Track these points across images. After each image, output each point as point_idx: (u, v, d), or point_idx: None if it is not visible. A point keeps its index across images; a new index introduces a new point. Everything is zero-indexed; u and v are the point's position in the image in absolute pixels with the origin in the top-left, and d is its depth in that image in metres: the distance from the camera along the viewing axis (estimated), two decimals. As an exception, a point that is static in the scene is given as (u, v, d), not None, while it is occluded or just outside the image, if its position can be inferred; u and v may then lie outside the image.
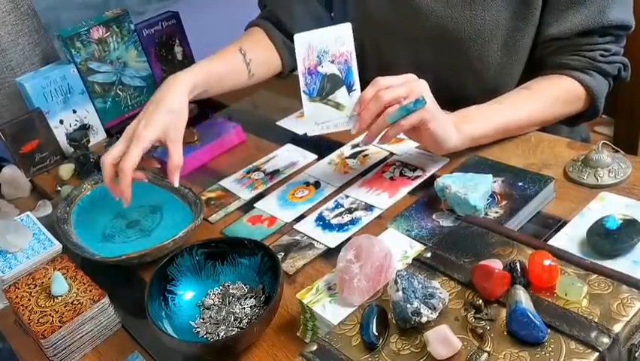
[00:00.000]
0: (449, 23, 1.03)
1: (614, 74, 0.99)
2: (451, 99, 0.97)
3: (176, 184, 0.92)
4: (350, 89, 0.89)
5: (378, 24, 1.13)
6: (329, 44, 0.90)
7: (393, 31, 1.11)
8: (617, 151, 0.88)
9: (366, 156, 1.04)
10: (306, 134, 0.94)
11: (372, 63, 1.20)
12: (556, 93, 0.98)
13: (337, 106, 0.90)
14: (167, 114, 0.93)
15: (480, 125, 0.94)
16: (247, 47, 1.14)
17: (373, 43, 1.17)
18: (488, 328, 0.53)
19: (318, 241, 0.87)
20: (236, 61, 1.12)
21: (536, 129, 0.99)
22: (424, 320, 0.55)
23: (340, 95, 0.89)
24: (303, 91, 0.90)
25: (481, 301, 0.56)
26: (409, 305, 0.55)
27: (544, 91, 0.98)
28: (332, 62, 0.90)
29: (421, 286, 0.57)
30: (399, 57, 1.14)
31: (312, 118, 0.90)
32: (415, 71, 0.89)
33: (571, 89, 0.98)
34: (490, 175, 0.83)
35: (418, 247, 0.76)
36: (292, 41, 1.14)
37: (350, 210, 0.91)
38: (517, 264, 0.57)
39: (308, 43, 0.90)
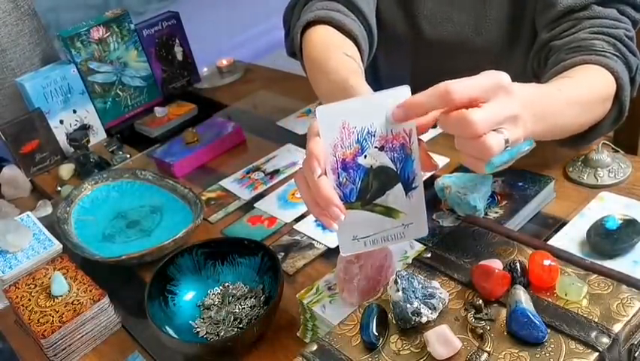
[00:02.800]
0: (465, 30, 0.99)
1: (634, 69, 0.80)
2: None
3: None
4: (409, 187, 0.61)
5: (391, 32, 1.08)
6: (375, 121, 0.58)
7: (407, 39, 1.07)
8: (617, 151, 0.88)
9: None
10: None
11: (384, 74, 1.17)
12: (599, 88, 0.76)
13: (388, 212, 0.61)
14: None
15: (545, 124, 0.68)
16: (345, 48, 0.88)
17: (385, 52, 1.13)
18: (488, 328, 0.53)
19: (318, 241, 0.87)
20: (360, 68, 0.86)
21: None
22: (424, 320, 0.55)
23: (393, 196, 0.61)
24: (344, 199, 0.60)
25: (481, 301, 0.56)
26: (409, 305, 0.55)
27: (588, 86, 0.76)
28: (381, 148, 0.59)
29: (421, 286, 0.57)
30: (413, 66, 1.10)
31: (349, 230, 0.61)
32: (427, 81, 0.66)
33: (605, 80, 0.77)
34: (490, 175, 0.83)
35: (418, 247, 0.76)
36: (364, 22, 0.94)
37: (350, 211, 0.91)
38: (517, 264, 0.57)
39: (340, 120, 0.58)
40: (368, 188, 0.60)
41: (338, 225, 0.59)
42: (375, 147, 0.59)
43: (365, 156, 0.59)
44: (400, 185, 0.60)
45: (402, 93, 0.58)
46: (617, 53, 0.79)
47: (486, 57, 0.99)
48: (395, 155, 0.60)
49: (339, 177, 0.60)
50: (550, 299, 0.55)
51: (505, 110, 0.56)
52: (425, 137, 1.03)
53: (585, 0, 0.81)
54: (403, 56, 1.11)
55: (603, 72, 0.77)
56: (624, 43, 0.79)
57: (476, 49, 1.01)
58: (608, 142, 0.87)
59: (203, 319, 0.77)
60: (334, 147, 0.59)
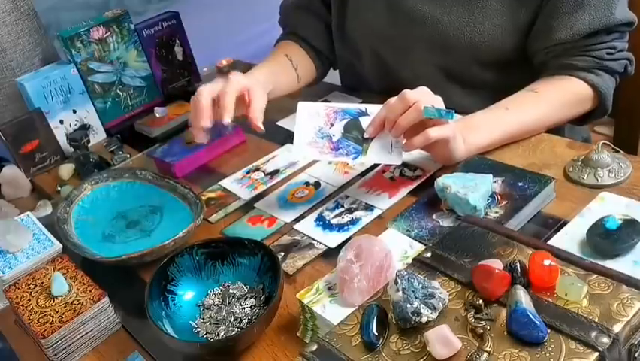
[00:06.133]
0: (448, 29, 1.02)
1: (620, 71, 0.97)
2: (454, 105, 0.96)
3: (260, 125, 0.95)
4: (364, 114, 0.90)
5: (377, 33, 1.12)
6: (313, 123, 0.90)
7: (392, 39, 1.10)
8: (617, 151, 0.88)
9: (366, 156, 1.04)
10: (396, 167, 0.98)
11: (373, 72, 1.19)
12: (564, 96, 0.96)
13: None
14: (255, 79, 1.02)
15: (486, 134, 0.93)
16: (291, 53, 1.20)
17: (372, 53, 1.16)
18: (488, 328, 0.53)
19: (318, 241, 0.87)
20: (287, 66, 1.18)
21: (543, 132, 0.98)
22: (424, 320, 0.55)
23: (365, 124, 0.89)
24: (354, 159, 0.88)
25: (481, 301, 0.56)
26: (409, 305, 0.55)
27: (552, 94, 0.96)
28: (332, 125, 0.89)
29: (421, 286, 0.57)
30: (398, 65, 1.13)
31: (382, 154, 0.88)
32: (415, 80, 0.88)
33: (578, 91, 0.96)
34: (490, 175, 0.83)
35: (418, 247, 0.76)
36: (320, 54, 1.25)
37: (350, 210, 0.91)
38: (518, 264, 0.57)
39: (306, 145, 0.88)
40: (356, 138, 0.89)
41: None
42: (328, 128, 0.90)
43: (334, 135, 0.89)
44: (359, 119, 0.90)
45: (299, 106, 0.92)
46: (597, 67, 0.95)
47: (476, 61, 1.04)
48: (340, 117, 0.90)
49: (345, 154, 0.88)
50: (550, 299, 0.55)
51: (416, 90, 0.84)
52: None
53: (577, 35, 0.94)
54: (393, 55, 1.13)
55: (577, 82, 0.96)
56: (605, 58, 0.95)
57: (467, 53, 1.02)
58: (608, 142, 0.87)
59: (203, 319, 0.77)
60: (321, 154, 0.88)
